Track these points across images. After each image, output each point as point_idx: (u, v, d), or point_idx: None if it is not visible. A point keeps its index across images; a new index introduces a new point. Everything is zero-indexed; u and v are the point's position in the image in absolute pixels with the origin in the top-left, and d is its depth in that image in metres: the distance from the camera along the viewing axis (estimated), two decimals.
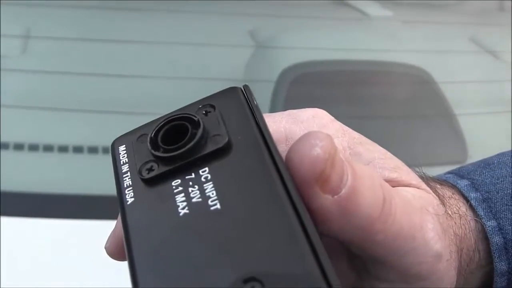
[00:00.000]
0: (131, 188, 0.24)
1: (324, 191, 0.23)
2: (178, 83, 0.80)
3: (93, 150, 0.68)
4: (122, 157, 0.25)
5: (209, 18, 0.93)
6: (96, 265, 0.54)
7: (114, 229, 0.28)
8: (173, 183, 0.23)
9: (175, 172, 0.23)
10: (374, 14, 1.06)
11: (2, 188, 0.63)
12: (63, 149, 0.70)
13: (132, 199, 0.23)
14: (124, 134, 0.26)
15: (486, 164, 0.37)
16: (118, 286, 0.51)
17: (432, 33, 1.05)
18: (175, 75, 0.83)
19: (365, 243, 0.26)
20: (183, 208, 0.22)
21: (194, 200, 0.22)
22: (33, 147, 0.70)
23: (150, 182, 0.23)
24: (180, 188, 0.22)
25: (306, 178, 0.23)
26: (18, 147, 0.70)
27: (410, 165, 0.33)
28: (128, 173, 0.24)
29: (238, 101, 0.25)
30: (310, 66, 0.85)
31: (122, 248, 0.23)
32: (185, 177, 0.23)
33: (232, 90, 0.26)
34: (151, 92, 0.79)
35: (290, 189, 0.21)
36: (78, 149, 0.69)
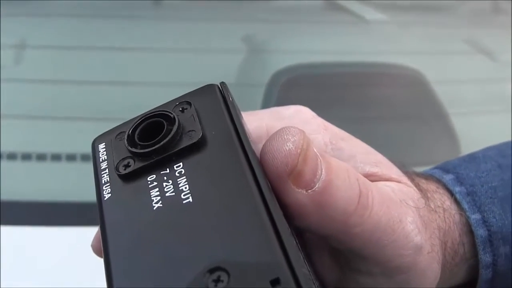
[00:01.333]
0: (108, 184, 0.24)
1: (298, 186, 0.24)
2: (171, 89, 0.80)
3: (86, 157, 0.69)
4: (102, 154, 0.26)
5: (201, 24, 0.93)
6: (90, 270, 0.53)
7: (99, 228, 0.28)
8: (148, 178, 0.23)
9: (151, 168, 0.23)
10: (369, 17, 1.07)
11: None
12: (56, 157, 0.70)
13: (109, 195, 0.23)
14: (104, 132, 0.27)
15: (471, 158, 0.37)
16: None
17: (427, 35, 1.05)
18: (169, 81, 0.83)
19: (343, 236, 0.26)
20: (157, 202, 0.22)
21: (167, 194, 0.22)
22: (26, 156, 0.70)
23: (127, 178, 0.24)
24: (155, 183, 0.23)
25: (279, 173, 0.23)
26: (11, 156, 0.70)
27: (404, 165, 0.33)
28: (107, 170, 0.25)
29: (214, 98, 0.25)
30: (301, 68, 0.85)
31: None
32: (160, 172, 0.23)
33: (209, 87, 0.26)
34: (144, 99, 0.79)
35: (261, 183, 0.21)
36: (71, 157, 0.69)
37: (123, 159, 0.24)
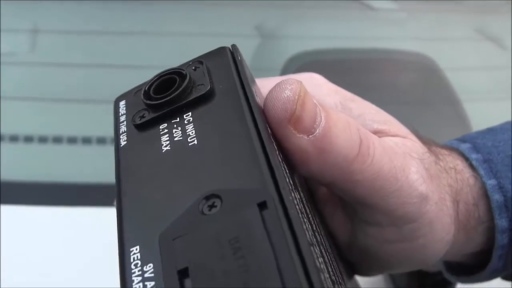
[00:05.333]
0: (125, 133, 0.26)
1: (298, 131, 0.25)
2: None
3: (101, 140, 0.69)
4: (122, 109, 0.28)
5: (215, 9, 0.94)
6: (93, 249, 0.54)
7: None
8: (160, 127, 0.25)
9: (163, 118, 0.26)
10: (379, 6, 1.07)
11: (10, 178, 0.64)
12: (72, 140, 0.70)
13: (125, 142, 0.26)
14: (126, 91, 0.29)
15: (489, 130, 0.38)
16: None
17: (437, 23, 1.05)
18: None
19: (345, 184, 0.28)
20: (166, 146, 0.24)
21: (176, 139, 0.24)
22: (43, 139, 0.71)
23: (141, 127, 0.26)
24: (166, 131, 0.25)
25: (280, 118, 0.25)
26: (28, 139, 0.71)
27: (417, 130, 0.34)
28: (125, 122, 0.27)
29: (225, 57, 0.27)
30: (315, 54, 0.85)
31: None
32: (171, 121, 0.25)
33: (220, 49, 0.28)
34: None
35: (260, 127, 0.23)
36: (86, 140, 0.70)
37: (139, 111, 0.27)
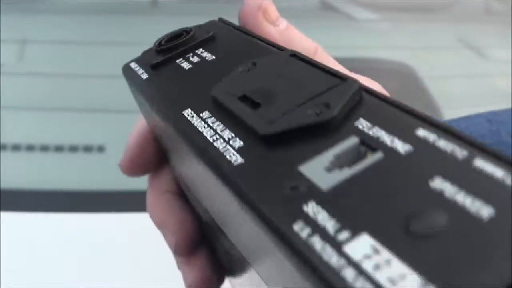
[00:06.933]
0: (144, 72, 0.29)
1: (267, 20, 0.30)
2: None
3: (88, 148, 0.70)
4: (135, 67, 0.30)
5: (203, 20, 0.95)
6: (95, 252, 0.55)
7: (127, 145, 0.33)
8: (177, 61, 0.29)
9: (178, 55, 0.29)
10: (361, 17, 1.09)
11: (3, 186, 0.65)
12: (59, 148, 0.71)
13: (147, 76, 0.28)
14: (132, 59, 0.31)
15: (464, 116, 0.40)
16: (119, 274, 0.51)
17: (418, 33, 1.07)
18: None
19: None
20: (187, 66, 0.28)
21: (194, 61, 0.28)
22: (30, 147, 0.72)
23: (158, 67, 0.29)
24: (183, 60, 0.28)
25: (252, 9, 0.30)
26: (16, 147, 0.72)
27: None
28: (140, 69, 0.29)
29: (216, 21, 0.31)
30: None
31: (135, 163, 0.32)
32: (185, 56, 0.29)
33: (210, 20, 0.32)
34: None
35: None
36: (73, 148, 0.71)
37: (153, 57, 0.29)
